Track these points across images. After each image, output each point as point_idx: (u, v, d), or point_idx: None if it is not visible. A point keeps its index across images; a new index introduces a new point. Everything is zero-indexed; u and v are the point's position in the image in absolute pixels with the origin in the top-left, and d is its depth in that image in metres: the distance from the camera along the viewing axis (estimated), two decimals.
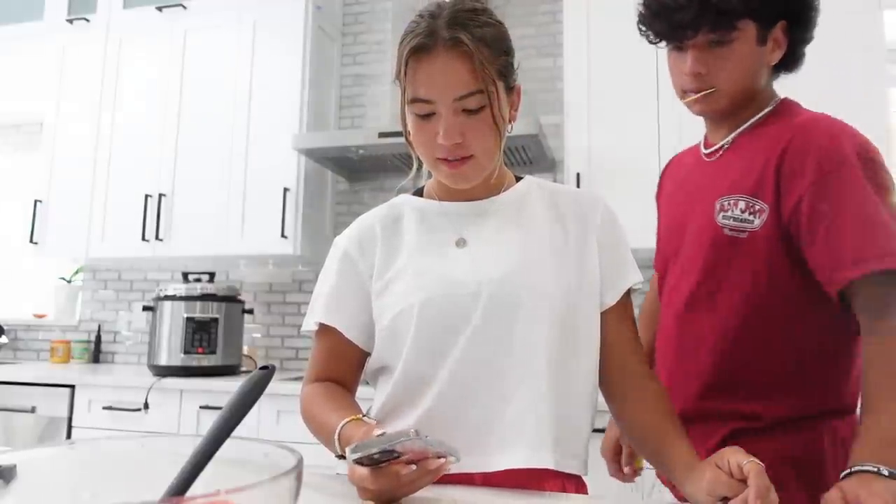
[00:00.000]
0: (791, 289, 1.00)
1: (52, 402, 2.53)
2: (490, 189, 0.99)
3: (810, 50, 1.13)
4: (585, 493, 0.94)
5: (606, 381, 0.96)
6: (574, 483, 0.92)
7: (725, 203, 1.05)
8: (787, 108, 1.10)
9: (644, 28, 1.12)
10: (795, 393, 1.01)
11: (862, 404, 0.88)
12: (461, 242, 0.96)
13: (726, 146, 1.11)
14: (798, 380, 1.01)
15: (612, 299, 0.95)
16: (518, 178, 1.03)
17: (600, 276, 0.94)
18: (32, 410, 2.53)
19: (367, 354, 1.00)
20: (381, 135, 2.45)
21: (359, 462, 0.72)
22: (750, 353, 1.03)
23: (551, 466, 0.86)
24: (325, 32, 2.99)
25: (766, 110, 1.09)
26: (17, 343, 3.44)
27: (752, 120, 1.09)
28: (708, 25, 1.02)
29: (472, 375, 0.89)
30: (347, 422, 0.86)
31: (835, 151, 0.95)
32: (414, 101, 0.89)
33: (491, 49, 0.88)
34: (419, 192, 1.05)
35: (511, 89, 0.94)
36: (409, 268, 0.94)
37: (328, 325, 0.98)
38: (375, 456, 0.70)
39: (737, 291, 1.03)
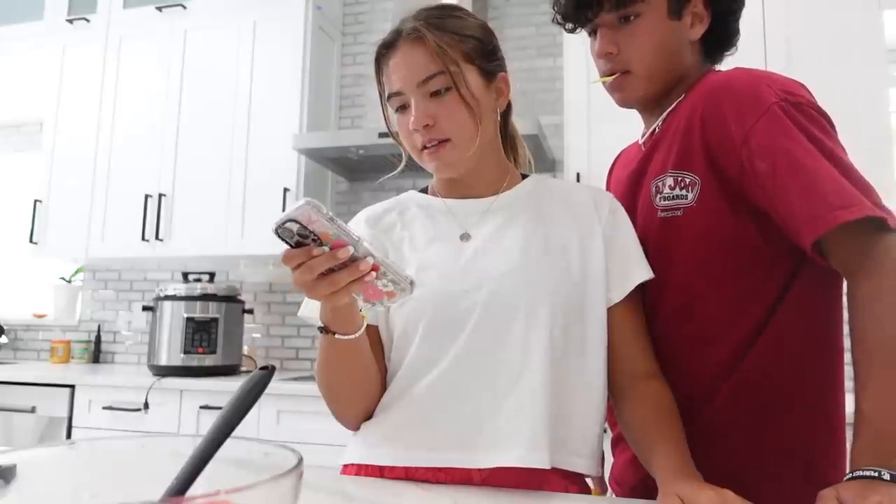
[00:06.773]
0: (742, 260, 0.92)
1: (52, 402, 2.53)
2: (493, 187, 0.99)
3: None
4: (589, 492, 0.94)
5: (609, 378, 0.95)
6: (577, 482, 0.92)
7: (659, 184, 0.98)
8: (707, 77, 1.00)
9: (557, 14, 1.07)
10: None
11: (855, 384, 0.78)
12: (465, 237, 0.96)
13: (657, 130, 1.03)
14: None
15: (617, 296, 0.94)
16: (524, 176, 1.03)
17: (606, 273, 0.94)
18: (32, 410, 2.54)
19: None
20: (381, 135, 2.45)
21: (279, 236, 0.71)
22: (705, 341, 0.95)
23: (546, 467, 0.85)
24: (325, 32, 2.99)
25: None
26: (17, 343, 3.45)
27: (679, 99, 1.01)
28: (609, 1, 0.97)
29: (468, 372, 0.89)
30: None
31: (753, 102, 0.87)
32: (389, 97, 0.94)
33: (453, 34, 0.91)
34: (423, 191, 1.05)
35: (490, 75, 0.95)
36: (411, 263, 0.94)
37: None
38: (294, 232, 0.70)
39: (681, 276, 0.95)
